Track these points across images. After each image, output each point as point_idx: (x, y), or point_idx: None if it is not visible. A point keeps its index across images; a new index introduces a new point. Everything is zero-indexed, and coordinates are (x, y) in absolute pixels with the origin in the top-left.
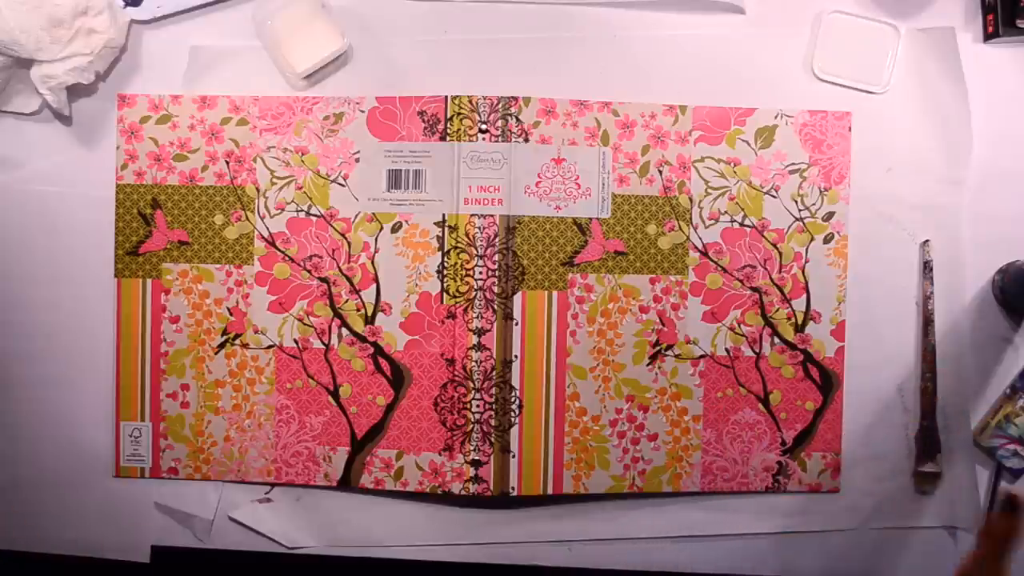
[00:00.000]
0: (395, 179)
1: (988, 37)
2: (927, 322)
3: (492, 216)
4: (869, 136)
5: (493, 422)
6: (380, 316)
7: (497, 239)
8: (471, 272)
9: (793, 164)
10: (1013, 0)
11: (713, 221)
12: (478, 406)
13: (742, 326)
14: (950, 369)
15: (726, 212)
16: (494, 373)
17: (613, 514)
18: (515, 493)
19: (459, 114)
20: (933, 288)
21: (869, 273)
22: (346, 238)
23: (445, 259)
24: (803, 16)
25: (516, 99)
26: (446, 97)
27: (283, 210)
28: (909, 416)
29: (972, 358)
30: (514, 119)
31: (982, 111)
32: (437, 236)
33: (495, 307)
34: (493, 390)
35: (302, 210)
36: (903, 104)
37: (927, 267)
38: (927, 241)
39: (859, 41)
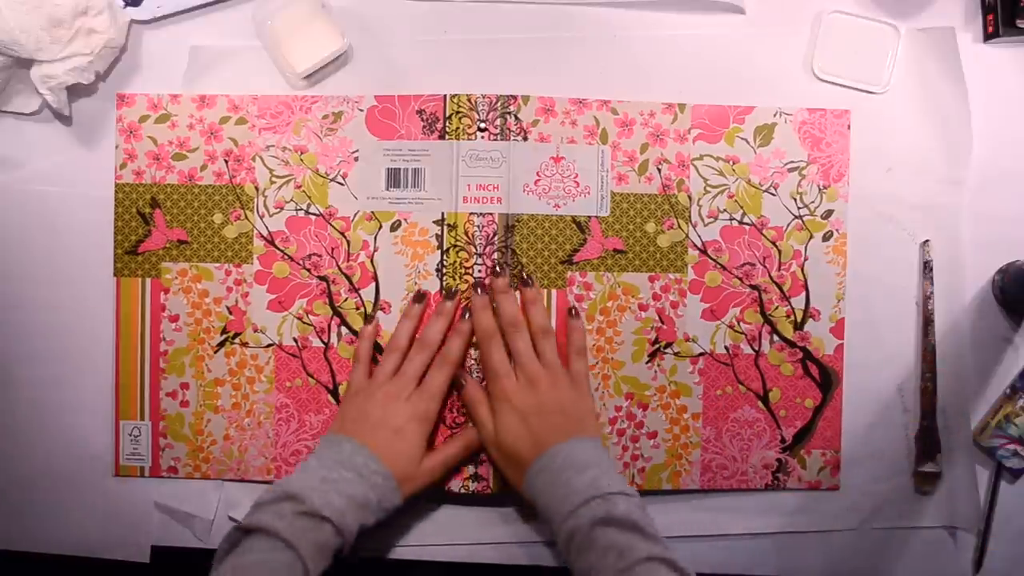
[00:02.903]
0: (394, 178)
1: (988, 37)
2: (927, 322)
3: (491, 214)
4: (869, 136)
5: None
6: (380, 314)
7: (496, 237)
8: (470, 270)
9: (792, 162)
10: (1013, 0)
11: (712, 219)
12: None
13: (741, 324)
14: (950, 369)
15: (725, 210)
16: None
17: None
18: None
19: (458, 112)
20: (933, 288)
21: (869, 273)
22: (345, 236)
23: (444, 257)
24: (803, 16)
25: (515, 97)
26: (445, 95)
27: (282, 209)
28: (909, 416)
29: (972, 358)
30: (513, 117)
31: (982, 111)
32: (436, 234)
33: (494, 305)
34: None
35: (301, 209)
36: (903, 104)
37: (927, 267)
38: (927, 241)
39: (859, 41)
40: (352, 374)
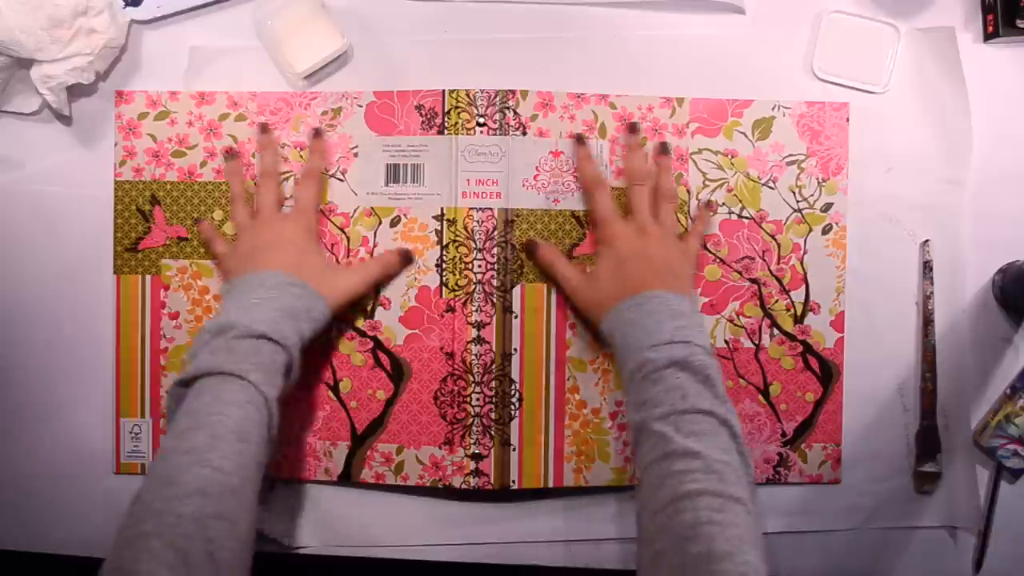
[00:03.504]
0: (393, 173)
1: (988, 37)
2: (927, 322)
3: (490, 209)
4: (869, 136)
5: (493, 415)
6: (379, 310)
7: (496, 232)
8: (470, 266)
9: (791, 155)
10: (1013, 0)
11: (711, 213)
12: (478, 399)
13: (741, 318)
14: (950, 369)
15: (724, 204)
16: (494, 366)
17: (613, 514)
18: (516, 486)
19: (456, 107)
20: (933, 288)
21: (869, 272)
22: (345, 232)
23: (444, 253)
24: (803, 16)
25: (513, 92)
26: (443, 91)
27: (282, 205)
28: (909, 416)
29: (972, 358)
30: (511, 112)
31: (982, 111)
32: (436, 230)
33: (494, 300)
34: (493, 383)
35: None
36: (903, 104)
37: (927, 267)
38: (927, 241)
39: (859, 41)
40: (235, 213)
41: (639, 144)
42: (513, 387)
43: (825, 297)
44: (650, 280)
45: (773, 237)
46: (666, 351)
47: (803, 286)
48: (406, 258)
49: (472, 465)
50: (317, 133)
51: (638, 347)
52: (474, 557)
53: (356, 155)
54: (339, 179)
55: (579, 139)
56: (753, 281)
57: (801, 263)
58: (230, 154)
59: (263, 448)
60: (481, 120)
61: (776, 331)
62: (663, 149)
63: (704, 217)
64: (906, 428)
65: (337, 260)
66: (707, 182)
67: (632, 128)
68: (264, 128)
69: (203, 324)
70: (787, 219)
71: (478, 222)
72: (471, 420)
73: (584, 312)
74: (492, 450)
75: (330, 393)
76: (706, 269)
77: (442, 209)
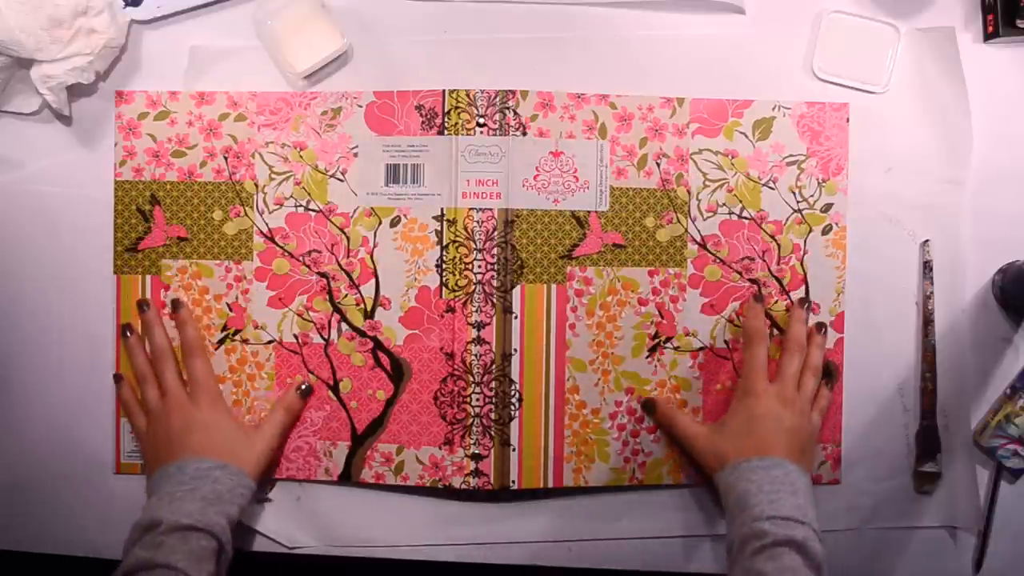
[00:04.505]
0: (393, 173)
1: (988, 37)
2: (927, 322)
3: (491, 210)
4: (869, 136)
5: (493, 416)
6: (379, 311)
7: (496, 233)
8: (470, 266)
9: (791, 156)
10: (1013, 0)
11: (711, 213)
12: (478, 400)
13: (741, 318)
14: (950, 369)
15: (724, 204)
16: (494, 367)
17: (613, 514)
18: (516, 486)
19: (456, 108)
20: (933, 288)
21: (869, 272)
22: (345, 233)
23: (444, 253)
24: (803, 16)
25: (513, 92)
26: (443, 91)
27: (282, 205)
28: (909, 416)
29: (972, 358)
30: (512, 112)
31: (982, 111)
32: (436, 230)
33: (494, 301)
34: (493, 384)
35: (301, 205)
36: (903, 104)
37: (927, 267)
38: (927, 241)
39: (859, 41)
40: (145, 396)
41: (804, 318)
42: (513, 387)
43: (825, 298)
44: (779, 448)
45: (773, 237)
46: (784, 527)
47: (803, 287)
48: (306, 392)
49: (472, 465)
50: (177, 304)
51: (758, 514)
52: (474, 557)
53: (356, 155)
54: (339, 179)
55: (756, 297)
56: (753, 281)
57: (801, 263)
58: (127, 329)
59: None
60: (481, 120)
61: (776, 331)
62: (820, 328)
63: (826, 395)
64: (906, 428)
65: (337, 261)
66: (707, 182)
67: (802, 302)
68: (144, 305)
69: (134, 522)
70: (787, 219)
71: (478, 222)
72: (471, 420)
73: (701, 458)
74: (492, 450)
75: (330, 393)
76: (706, 269)
77: (442, 209)
